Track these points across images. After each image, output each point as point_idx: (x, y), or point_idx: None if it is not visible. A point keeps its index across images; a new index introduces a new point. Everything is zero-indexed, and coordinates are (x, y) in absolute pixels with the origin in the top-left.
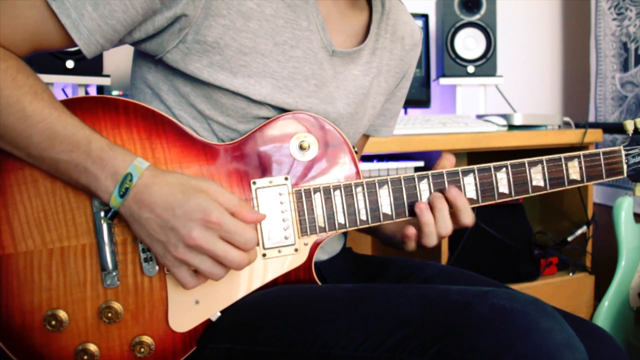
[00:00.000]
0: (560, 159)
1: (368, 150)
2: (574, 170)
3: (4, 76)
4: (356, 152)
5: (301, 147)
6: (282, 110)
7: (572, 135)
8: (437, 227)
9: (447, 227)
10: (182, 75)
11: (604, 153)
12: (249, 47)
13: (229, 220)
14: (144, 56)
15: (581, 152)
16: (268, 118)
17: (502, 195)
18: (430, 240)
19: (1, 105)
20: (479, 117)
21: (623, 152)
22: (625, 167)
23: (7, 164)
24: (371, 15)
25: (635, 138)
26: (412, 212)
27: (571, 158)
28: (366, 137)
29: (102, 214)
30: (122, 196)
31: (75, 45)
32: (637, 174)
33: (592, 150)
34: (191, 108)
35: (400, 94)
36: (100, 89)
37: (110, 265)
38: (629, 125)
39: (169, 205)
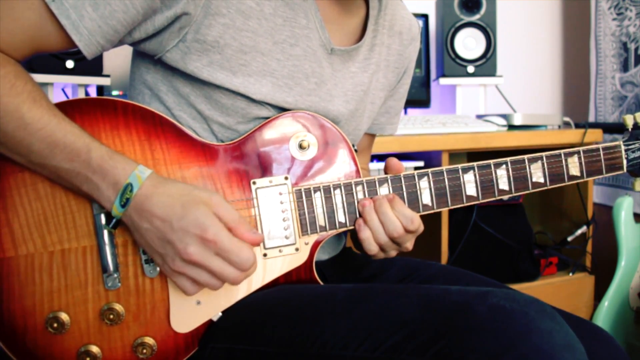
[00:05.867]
0: (560, 154)
1: None
2: (573, 166)
3: (2, 83)
4: (356, 151)
5: (301, 147)
6: (282, 110)
7: (572, 135)
8: (386, 231)
9: (395, 231)
10: (182, 75)
11: (604, 148)
12: (249, 46)
13: (226, 238)
14: (143, 57)
15: (581, 148)
16: (268, 118)
17: (502, 192)
18: (372, 249)
19: (0, 113)
20: (479, 117)
21: (623, 147)
22: (625, 162)
23: (6, 167)
24: (368, 12)
25: (634, 133)
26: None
27: (571, 154)
28: (372, 136)
29: (104, 220)
30: (123, 206)
31: (74, 46)
32: (637, 168)
33: (591, 146)
34: (191, 108)
35: (403, 90)
36: (100, 89)
37: (111, 267)
38: (629, 120)
39: (168, 218)
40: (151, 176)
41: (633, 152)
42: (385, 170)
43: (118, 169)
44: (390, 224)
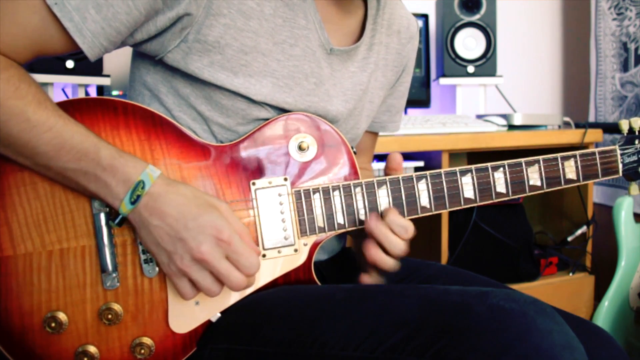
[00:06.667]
0: (556, 158)
1: None
2: (570, 170)
3: (6, 86)
4: (355, 153)
5: (300, 148)
6: (282, 111)
7: (572, 135)
8: (388, 251)
9: (398, 249)
10: (182, 76)
11: (600, 152)
12: (250, 47)
13: (239, 241)
14: (143, 58)
15: (577, 152)
16: (267, 119)
17: (499, 194)
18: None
19: (5, 116)
20: (479, 117)
21: (618, 152)
22: (620, 166)
23: (6, 167)
24: (367, 12)
25: (630, 137)
26: (362, 222)
27: (567, 158)
28: (374, 135)
29: (103, 219)
30: (133, 203)
31: (77, 49)
32: (633, 173)
33: (587, 150)
34: (191, 109)
35: (403, 89)
36: (100, 89)
37: (110, 266)
38: (624, 125)
39: (182, 216)
40: (162, 175)
41: (628, 156)
42: (386, 164)
43: (129, 167)
44: (394, 247)
